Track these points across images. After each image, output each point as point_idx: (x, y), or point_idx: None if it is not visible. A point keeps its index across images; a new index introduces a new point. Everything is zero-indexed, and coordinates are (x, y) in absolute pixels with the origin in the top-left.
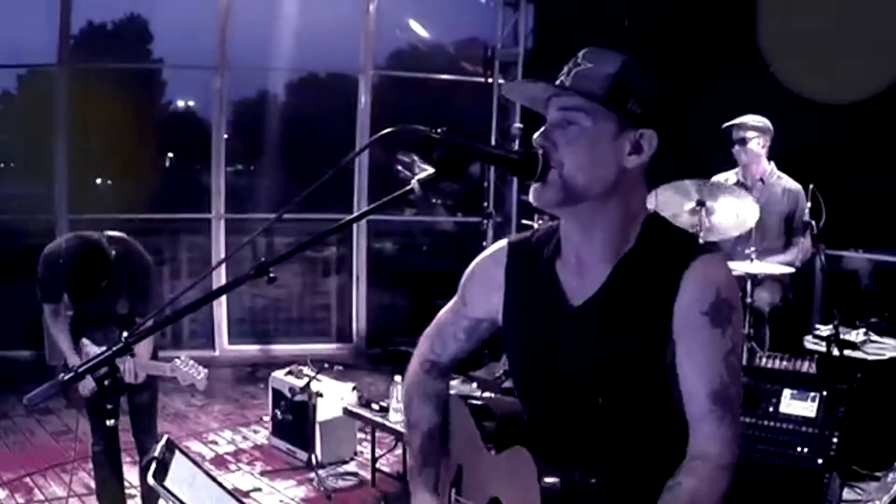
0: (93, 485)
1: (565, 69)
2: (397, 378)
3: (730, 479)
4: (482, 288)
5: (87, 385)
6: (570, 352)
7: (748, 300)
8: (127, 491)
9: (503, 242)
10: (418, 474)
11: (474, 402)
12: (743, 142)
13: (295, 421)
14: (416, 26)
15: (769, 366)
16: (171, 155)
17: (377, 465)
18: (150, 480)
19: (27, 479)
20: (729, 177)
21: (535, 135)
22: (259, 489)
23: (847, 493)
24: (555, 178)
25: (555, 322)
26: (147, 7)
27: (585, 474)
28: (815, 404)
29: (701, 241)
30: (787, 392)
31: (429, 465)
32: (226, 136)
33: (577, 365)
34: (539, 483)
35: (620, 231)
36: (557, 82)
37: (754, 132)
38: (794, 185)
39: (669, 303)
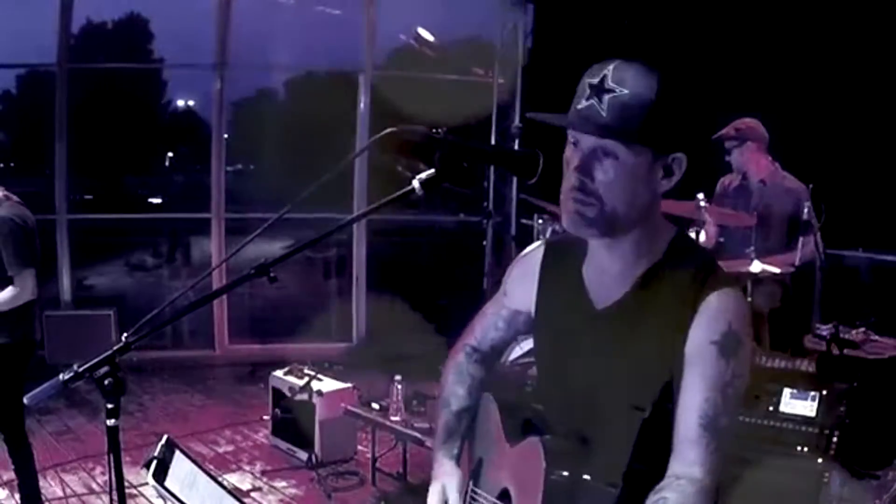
0: (94, 485)
1: (591, 91)
2: (397, 377)
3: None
4: (521, 281)
5: None
6: (589, 351)
7: (748, 300)
8: (127, 491)
9: (542, 241)
10: (441, 445)
11: (506, 398)
12: (728, 152)
13: (295, 420)
14: (424, 33)
15: (769, 365)
16: (170, 154)
17: (377, 465)
18: (151, 480)
19: None
20: (733, 180)
21: (569, 172)
22: (259, 488)
23: (847, 493)
24: (595, 214)
25: (578, 321)
26: (147, 6)
27: (592, 474)
28: (815, 403)
29: (709, 240)
30: (786, 391)
31: (452, 439)
32: (226, 135)
33: (594, 364)
34: (545, 477)
35: (642, 244)
36: (587, 103)
37: (734, 141)
38: (797, 184)
39: (685, 327)
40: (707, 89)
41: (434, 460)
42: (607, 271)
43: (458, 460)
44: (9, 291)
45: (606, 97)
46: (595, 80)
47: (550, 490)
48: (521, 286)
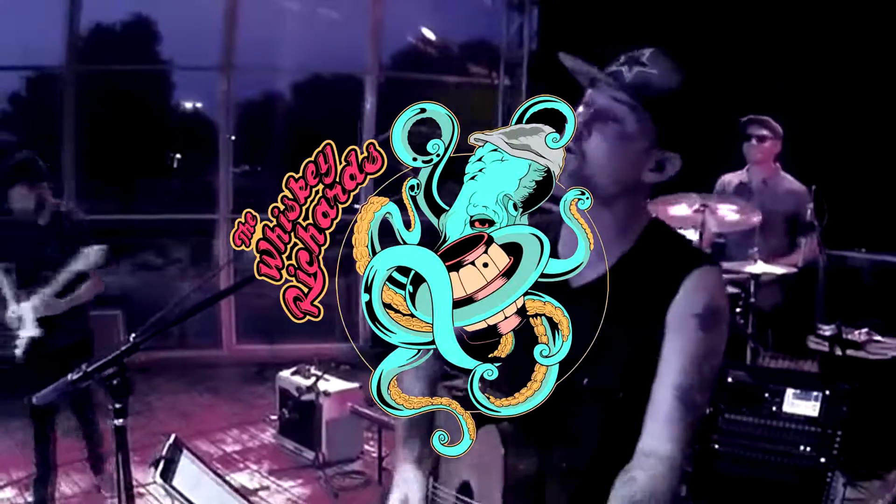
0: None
1: (626, 60)
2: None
3: (680, 479)
4: None
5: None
6: None
7: (751, 300)
8: (134, 490)
9: None
10: (402, 446)
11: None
12: (761, 139)
13: (301, 420)
14: (427, 33)
15: (772, 366)
16: (177, 156)
17: (383, 465)
18: (157, 479)
19: None
20: (734, 178)
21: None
22: (266, 488)
23: (850, 492)
24: (574, 167)
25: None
26: (154, 8)
27: (556, 459)
28: (818, 404)
29: (705, 241)
30: (790, 392)
31: (412, 438)
32: (233, 137)
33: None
34: (504, 465)
35: (621, 230)
36: (616, 68)
37: (773, 134)
38: (798, 185)
39: (665, 305)
40: (708, 88)
41: (396, 459)
42: None
43: (419, 463)
44: (90, 284)
45: (636, 68)
46: (632, 53)
47: (511, 479)
48: None
